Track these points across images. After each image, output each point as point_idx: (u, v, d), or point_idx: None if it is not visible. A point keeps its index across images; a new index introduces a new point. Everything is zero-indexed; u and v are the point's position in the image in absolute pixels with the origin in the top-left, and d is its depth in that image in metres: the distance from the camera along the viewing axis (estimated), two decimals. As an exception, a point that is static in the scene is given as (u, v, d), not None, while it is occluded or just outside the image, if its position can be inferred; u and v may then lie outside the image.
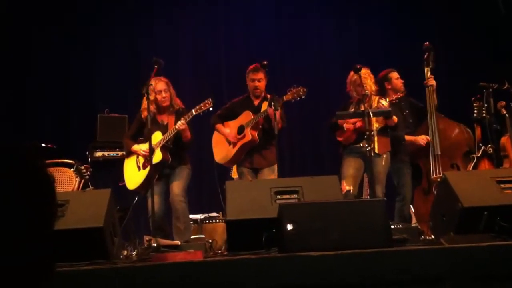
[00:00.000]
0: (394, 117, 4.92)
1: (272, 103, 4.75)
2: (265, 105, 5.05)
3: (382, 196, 4.80)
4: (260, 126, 5.01)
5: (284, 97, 4.91)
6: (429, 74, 5.37)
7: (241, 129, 5.11)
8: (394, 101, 4.93)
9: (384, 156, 5.03)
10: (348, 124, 5.01)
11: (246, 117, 5.11)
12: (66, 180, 5.26)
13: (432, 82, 5.35)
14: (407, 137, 5.28)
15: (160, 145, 4.80)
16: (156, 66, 4.47)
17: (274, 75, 5.20)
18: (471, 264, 2.49)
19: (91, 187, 5.23)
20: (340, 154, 5.21)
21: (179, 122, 4.75)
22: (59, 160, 5.36)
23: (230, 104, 5.35)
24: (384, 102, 4.81)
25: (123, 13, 7.35)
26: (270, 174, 5.02)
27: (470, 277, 2.43)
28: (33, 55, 7.09)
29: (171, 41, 7.47)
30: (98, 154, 5.94)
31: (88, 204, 3.39)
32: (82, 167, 5.32)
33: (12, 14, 6.92)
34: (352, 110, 5.04)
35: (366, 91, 4.80)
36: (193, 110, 4.79)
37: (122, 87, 6.96)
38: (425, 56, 5.36)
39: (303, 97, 4.90)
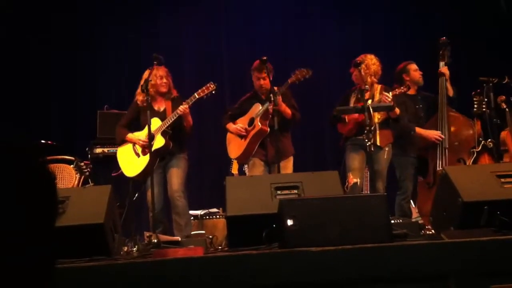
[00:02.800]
0: (397, 109, 4.89)
1: (271, 96, 4.74)
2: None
3: (383, 190, 4.80)
4: (270, 116, 4.89)
5: (289, 80, 4.90)
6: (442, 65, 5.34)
7: (251, 122, 5.09)
8: (398, 94, 4.89)
9: (386, 149, 5.01)
10: (350, 116, 4.99)
11: (255, 109, 5.09)
12: (66, 176, 5.26)
13: (445, 71, 5.32)
14: (418, 130, 5.24)
15: (161, 130, 4.78)
16: (155, 62, 4.52)
17: (276, 74, 5.19)
18: (472, 259, 2.49)
19: (91, 184, 5.23)
20: (341, 146, 5.19)
21: (182, 106, 4.73)
22: (59, 157, 5.36)
23: (239, 103, 5.34)
24: (388, 95, 4.77)
25: (126, 12, 7.34)
26: (285, 167, 4.92)
27: (471, 272, 2.44)
28: (36, 53, 7.08)
29: (173, 40, 7.46)
30: (98, 150, 5.93)
31: (89, 200, 3.39)
32: (82, 164, 5.33)
33: (14, 11, 6.90)
34: (353, 100, 5.05)
35: (366, 86, 4.80)
36: (195, 94, 4.78)
37: (123, 84, 6.96)
38: (441, 51, 5.32)
39: (307, 77, 4.86)
